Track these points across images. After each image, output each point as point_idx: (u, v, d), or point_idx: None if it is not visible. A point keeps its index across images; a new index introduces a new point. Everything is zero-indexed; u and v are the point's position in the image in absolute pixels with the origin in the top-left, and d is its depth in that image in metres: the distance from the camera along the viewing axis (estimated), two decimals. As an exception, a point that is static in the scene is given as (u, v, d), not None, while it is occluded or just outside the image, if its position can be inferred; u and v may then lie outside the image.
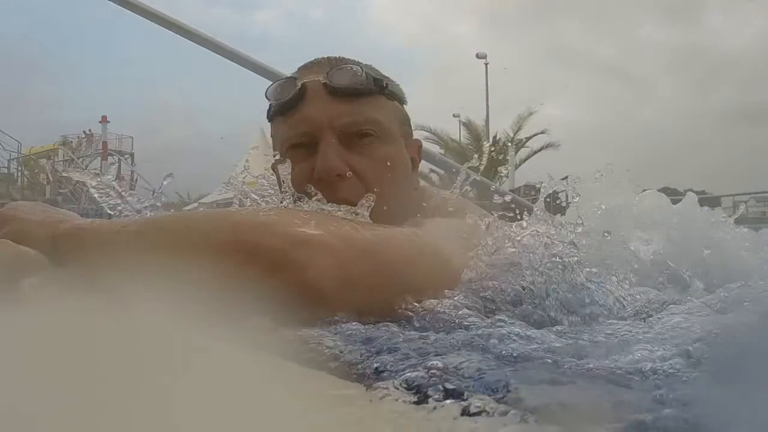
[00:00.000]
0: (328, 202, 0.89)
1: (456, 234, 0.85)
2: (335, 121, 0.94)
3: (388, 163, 0.95)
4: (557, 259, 0.76)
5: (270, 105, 1.03)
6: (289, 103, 0.97)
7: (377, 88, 0.98)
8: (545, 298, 0.72)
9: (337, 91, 0.95)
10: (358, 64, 1.00)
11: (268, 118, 1.06)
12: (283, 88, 1.00)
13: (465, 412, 0.41)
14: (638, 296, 0.75)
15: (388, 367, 0.50)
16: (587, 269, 0.76)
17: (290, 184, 0.95)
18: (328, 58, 1.02)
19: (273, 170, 1.08)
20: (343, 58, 1.02)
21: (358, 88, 0.96)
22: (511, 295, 0.73)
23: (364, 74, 0.97)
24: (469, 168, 1.04)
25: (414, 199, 0.99)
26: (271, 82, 1.05)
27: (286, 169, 0.97)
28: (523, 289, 0.74)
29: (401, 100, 1.05)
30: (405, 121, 1.04)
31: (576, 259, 0.76)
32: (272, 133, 1.06)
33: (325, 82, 0.96)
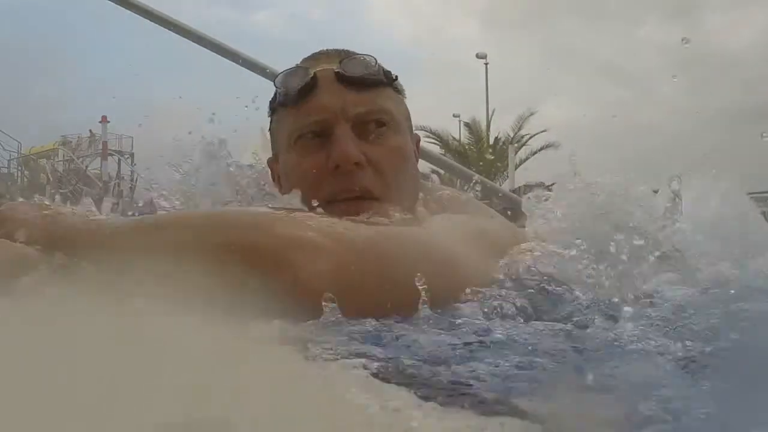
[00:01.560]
0: (343, 191, 0.89)
1: (461, 232, 0.84)
2: (350, 109, 0.93)
3: (401, 154, 0.95)
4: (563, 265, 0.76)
5: (274, 97, 1.02)
6: (300, 92, 0.95)
7: (387, 80, 0.98)
8: (555, 302, 0.71)
9: (350, 81, 0.94)
10: (367, 55, 0.99)
11: (270, 109, 1.04)
12: (294, 77, 0.98)
13: (464, 413, 0.40)
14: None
15: (386, 367, 0.50)
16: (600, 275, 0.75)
17: (299, 175, 0.94)
18: (335, 49, 1.02)
19: (269, 166, 1.07)
20: (348, 50, 1.02)
21: (371, 78, 0.95)
22: (518, 299, 0.72)
23: (376, 65, 0.97)
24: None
25: (416, 194, 0.99)
26: (278, 74, 1.04)
27: (292, 160, 0.96)
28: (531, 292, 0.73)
29: (403, 95, 1.05)
30: (408, 114, 1.05)
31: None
32: (273, 126, 1.05)
33: (338, 72, 0.95)
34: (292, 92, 0.96)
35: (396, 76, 1.01)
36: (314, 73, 0.95)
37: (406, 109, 1.04)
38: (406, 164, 0.95)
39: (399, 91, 1.03)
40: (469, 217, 0.95)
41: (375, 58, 0.98)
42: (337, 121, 0.92)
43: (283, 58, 1.05)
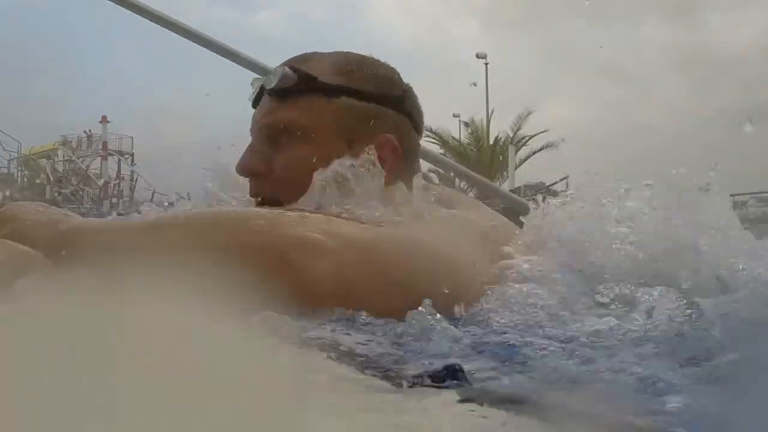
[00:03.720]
0: (253, 196, 0.97)
1: (461, 232, 0.84)
2: (260, 120, 0.99)
3: (303, 161, 0.93)
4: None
5: None
6: (253, 102, 1.03)
7: (306, 88, 0.97)
8: (553, 303, 0.71)
9: (271, 92, 0.98)
10: (289, 65, 0.98)
11: None
12: (254, 85, 1.05)
13: (466, 412, 0.41)
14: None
15: (387, 366, 0.50)
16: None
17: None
18: (296, 57, 1.04)
19: None
20: (305, 55, 1.03)
21: (282, 89, 0.97)
22: (517, 299, 0.72)
23: (295, 75, 0.96)
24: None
25: (401, 198, 0.96)
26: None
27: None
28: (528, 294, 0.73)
29: (362, 97, 0.99)
30: (354, 117, 0.98)
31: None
32: None
33: (262, 84, 1.00)
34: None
35: (321, 81, 0.97)
36: (260, 85, 1.01)
37: (348, 112, 0.98)
38: (309, 171, 0.93)
39: (336, 95, 0.98)
40: (468, 217, 0.95)
41: (294, 68, 0.97)
42: (252, 131, 1.00)
43: (283, 58, 1.05)
